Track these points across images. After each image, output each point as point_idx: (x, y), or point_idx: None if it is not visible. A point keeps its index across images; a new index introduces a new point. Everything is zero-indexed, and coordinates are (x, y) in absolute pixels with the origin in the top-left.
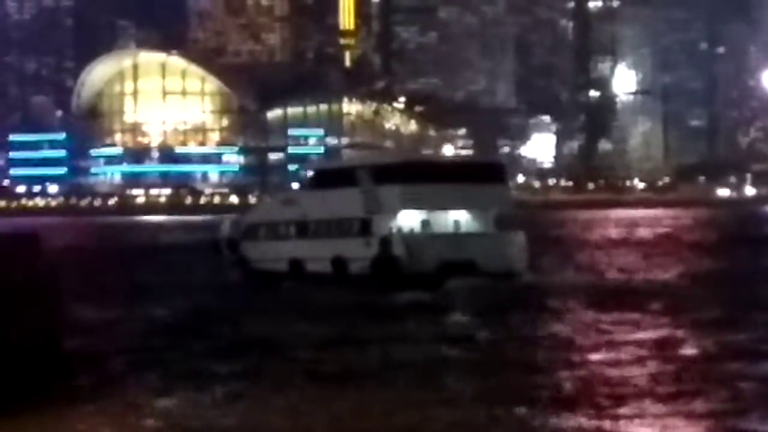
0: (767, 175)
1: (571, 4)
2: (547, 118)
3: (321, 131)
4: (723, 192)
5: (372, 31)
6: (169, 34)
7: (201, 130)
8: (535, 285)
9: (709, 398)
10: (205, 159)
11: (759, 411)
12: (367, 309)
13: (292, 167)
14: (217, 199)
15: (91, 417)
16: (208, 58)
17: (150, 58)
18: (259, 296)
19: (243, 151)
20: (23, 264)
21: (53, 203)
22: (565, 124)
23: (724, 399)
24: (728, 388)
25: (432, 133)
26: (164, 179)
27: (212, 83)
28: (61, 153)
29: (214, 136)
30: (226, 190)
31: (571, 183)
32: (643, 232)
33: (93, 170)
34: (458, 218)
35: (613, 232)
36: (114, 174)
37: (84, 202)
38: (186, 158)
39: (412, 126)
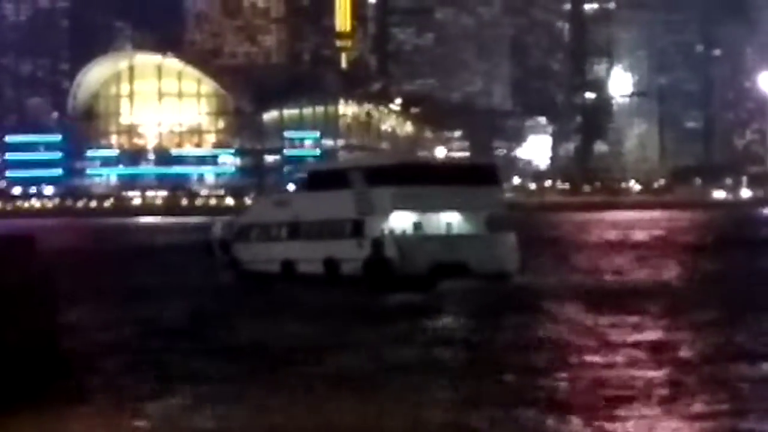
0: (763, 178)
1: (567, 6)
2: (543, 120)
3: (317, 133)
4: (719, 194)
5: (368, 32)
6: (166, 35)
7: (197, 132)
8: (528, 286)
9: (708, 399)
10: (201, 161)
11: (758, 412)
12: (360, 310)
13: (288, 169)
14: (213, 201)
15: (88, 417)
16: (204, 60)
17: (146, 59)
18: (250, 298)
19: (239, 152)
20: (19, 265)
21: (49, 205)
22: (561, 125)
23: (722, 400)
24: (727, 389)
25: (428, 134)
26: (160, 181)
27: (208, 85)
28: (57, 155)
29: (210, 138)
30: (222, 192)
31: (567, 185)
32: (639, 235)
33: (89, 172)
34: (450, 220)
35: (608, 234)
36: (110, 176)
37: (80, 204)
38: (182, 160)
39: (409, 128)
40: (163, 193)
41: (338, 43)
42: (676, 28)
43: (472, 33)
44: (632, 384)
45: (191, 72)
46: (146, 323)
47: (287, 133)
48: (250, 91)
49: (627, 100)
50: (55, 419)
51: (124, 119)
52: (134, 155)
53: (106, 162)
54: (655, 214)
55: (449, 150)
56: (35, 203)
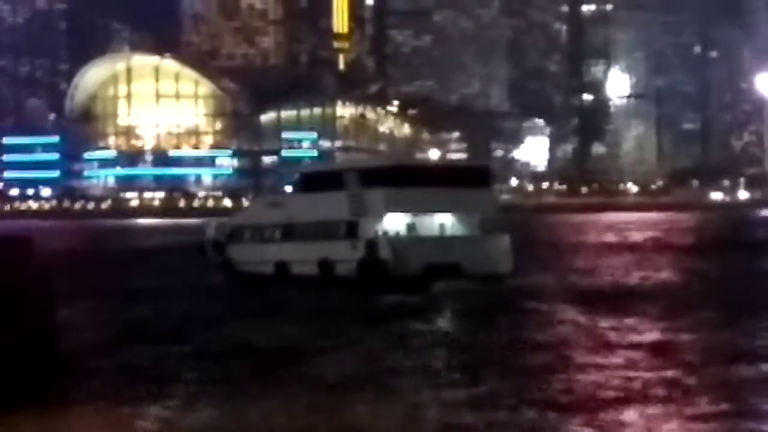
0: (760, 179)
1: (565, 8)
2: (540, 122)
3: (314, 134)
4: (716, 196)
5: (366, 34)
6: (163, 37)
7: (194, 133)
8: (521, 288)
9: (707, 401)
10: (199, 162)
11: (757, 413)
12: (354, 312)
13: (285, 170)
14: (210, 203)
15: (85, 418)
16: (201, 62)
17: (144, 61)
18: (244, 299)
19: (236, 154)
20: (17, 267)
21: (46, 206)
22: (558, 127)
23: (722, 401)
24: (726, 390)
25: (426, 136)
26: (158, 182)
27: (206, 86)
28: (55, 156)
29: (208, 139)
30: (219, 193)
31: (564, 186)
32: (636, 236)
33: (86, 173)
34: (443, 221)
35: (605, 236)
36: (107, 177)
37: (77, 205)
38: (179, 161)
39: (406, 129)
40: (161, 194)
41: (336, 44)
42: (673, 29)
43: (469, 35)
44: (629, 386)
45: (189, 73)
46: (140, 324)
47: (285, 135)
48: (248, 93)
49: (624, 101)
50: (53, 420)
51: (122, 120)
52: (132, 156)
53: (104, 163)
54: (653, 215)
55: (447, 151)
56: (33, 204)
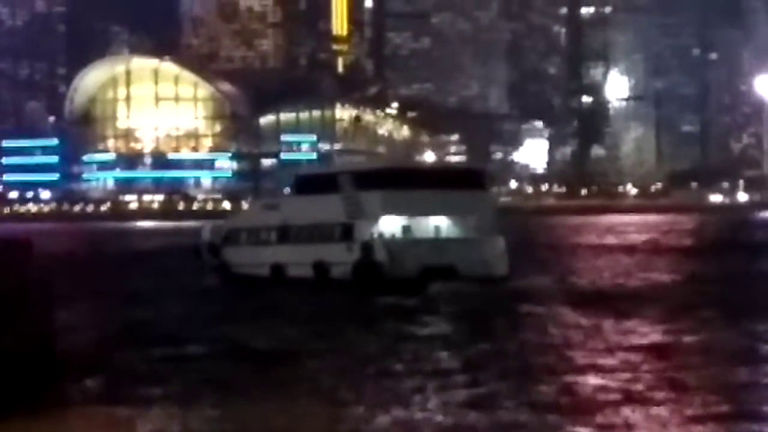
0: (759, 181)
1: (564, 10)
2: (539, 124)
3: (314, 137)
4: (715, 198)
5: (365, 36)
6: (162, 39)
7: (194, 136)
8: (518, 289)
9: (708, 402)
10: (198, 165)
11: (757, 414)
12: (349, 314)
13: (284, 173)
14: (209, 205)
15: (84, 421)
16: (201, 64)
17: (143, 63)
18: (239, 301)
19: (236, 156)
20: (16, 269)
21: (46, 209)
22: (557, 129)
23: (723, 402)
24: (727, 391)
25: (425, 138)
26: (157, 185)
27: (205, 89)
28: (54, 159)
29: (207, 142)
30: (218, 196)
31: (563, 189)
32: (635, 238)
33: (86, 176)
34: (439, 224)
35: (603, 238)
36: (107, 180)
37: (77, 208)
38: (179, 164)
39: (405, 132)
40: (160, 197)
41: (335, 47)
42: (672, 31)
43: (468, 37)
44: (630, 387)
45: (188, 76)
46: (137, 327)
47: (284, 137)
48: (247, 95)
49: (623, 103)
50: (52, 422)
51: (121, 123)
52: (131, 159)
53: (103, 166)
54: (652, 217)
55: (446, 154)
56: (32, 207)
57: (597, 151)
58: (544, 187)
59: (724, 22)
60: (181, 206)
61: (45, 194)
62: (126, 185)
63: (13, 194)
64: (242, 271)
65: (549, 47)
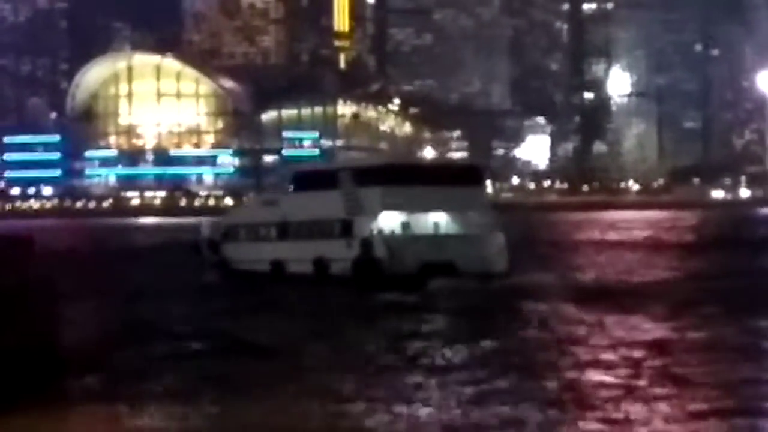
0: (762, 177)
1: (566, 6)
2: (541, 120)
3: (316, 133)
4: (717, 194)
5: (367, 32)
6: (164, 36)
7: (196, 132)
8: (518, 285)
9: (711, 397)
10: (200, 161)
11: (761, 410)
12: (349, 310)
13: (286, 169)
14: (212, 202)
15: (86, 418)
16: (202, 61)
17: (145, 60)
18: (239, 297)
19: (238, 153)
20: (18, 266)
21: (48, 205)
22: (559, 125)
23: (726, 398)
24: (729, 387)
25: (427, 135)
26: (159, 181)
27: (207, 85)
28: (56, 155)
29: (209, 139)
30: (220, 193)
31: (565, 185)
32: (637, 234)
33: (88, 172)
34: (438, 220)
35: (605, 234)
36: (109, 176)
37: (79, 205)
38: (181, 160)
39: (407, 128)
40: (162, 193)
41: (337, 43)
42: (674, 27)
43: (470, 33)
44: (630, 383)
45: (190, 72)
46: (138, 324)
47: (286, 134)
48: (249, 92)
49: (625, 100)
50: (54, 419)
51: (123, 120)
52: (133, 156)
53: (105, 162)
54: (654, 213)
55: (448, 150)
56: (34, 204)
57: (599, 147)
58: (546, 184)
59: (726, 18)
60: (183, 203)
61: (47, 191)
62: (128, 182)
63: (15, 191)
64: (242, 267)
65: (551, 43)
